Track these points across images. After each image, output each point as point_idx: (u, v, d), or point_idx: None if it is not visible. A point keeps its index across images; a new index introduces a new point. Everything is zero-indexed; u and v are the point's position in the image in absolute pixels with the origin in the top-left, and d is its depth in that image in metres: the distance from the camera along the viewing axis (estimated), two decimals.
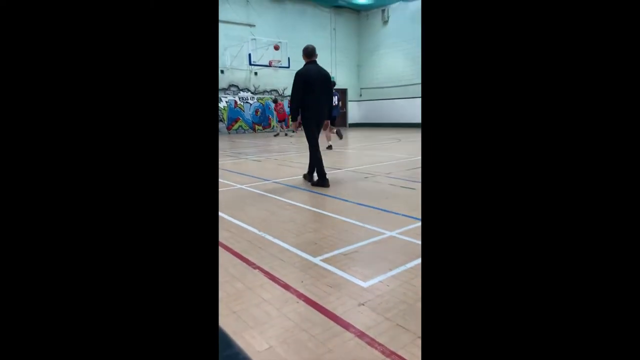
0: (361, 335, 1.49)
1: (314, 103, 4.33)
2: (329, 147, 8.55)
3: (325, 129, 4.87)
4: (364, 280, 1.97)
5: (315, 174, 4.60)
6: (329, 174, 5.22)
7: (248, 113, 16.65)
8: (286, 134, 14.48)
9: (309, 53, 4.37)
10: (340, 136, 9.21)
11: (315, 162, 4.51)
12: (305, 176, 4.86)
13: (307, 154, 4.87)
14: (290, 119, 4.44)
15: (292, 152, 5.04)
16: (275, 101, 15.09)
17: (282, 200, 3.85)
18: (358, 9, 19.17)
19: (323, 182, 4.45)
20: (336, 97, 9.35)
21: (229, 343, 1.45)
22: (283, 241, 2.60)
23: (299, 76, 4.28)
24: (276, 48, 14.93)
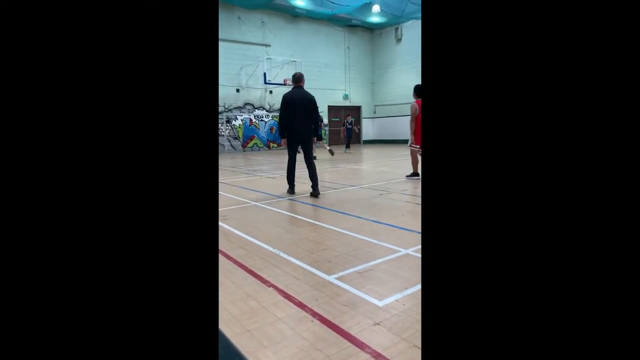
0: (377, 356, 1.46)
1: (295, 123, 4.86)
2: (331, 152, 11.38)
3: (314, 143, 5.46)
4: (380, 299, 1.94)
5: (316, 187, 5.00)
6: (343, 190, 5.24)
7: (263, 131, 16.82)
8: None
9: (297, 79, 5.04)
10: (330, 152, 11.47)
11: (289, 171, 5.18)
12: (312, 194, 4.94)
13: (320, 172, 5.08)
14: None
15: (307, 169, 5.10)
16: None
17: (296, 218, 3.84)
18: (372, 28, 19.37)
19: (292, 190, 5.14)
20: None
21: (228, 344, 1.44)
22: (297, 259, 2.59)
23: (284, 99, 4.90)
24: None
